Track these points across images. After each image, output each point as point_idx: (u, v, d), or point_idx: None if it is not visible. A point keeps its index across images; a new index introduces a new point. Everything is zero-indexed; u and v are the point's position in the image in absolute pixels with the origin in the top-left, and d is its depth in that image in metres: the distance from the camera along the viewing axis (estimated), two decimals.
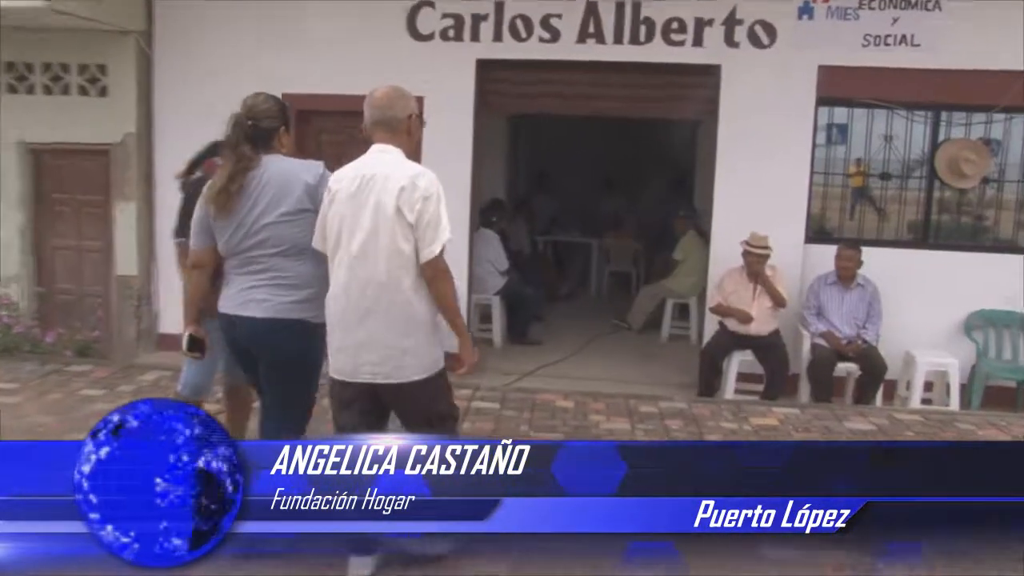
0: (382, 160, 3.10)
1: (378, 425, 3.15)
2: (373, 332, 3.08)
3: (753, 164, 6.08)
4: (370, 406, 3.15)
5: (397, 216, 3.02)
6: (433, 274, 3.06)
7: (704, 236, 6.98)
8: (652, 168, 9.81)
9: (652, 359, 7.05)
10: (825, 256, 6.12)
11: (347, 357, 3.12)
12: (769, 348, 5.92)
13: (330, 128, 6.25)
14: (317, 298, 3.20)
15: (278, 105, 3.28)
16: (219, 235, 3.26)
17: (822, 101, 6.16)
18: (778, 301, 5.92)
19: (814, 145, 6.22)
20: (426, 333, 3.11)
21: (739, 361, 6.03)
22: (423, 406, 3.15)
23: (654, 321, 7.84)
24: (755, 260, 5.88)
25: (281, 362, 3.26)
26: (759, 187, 6.08)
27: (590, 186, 10.28)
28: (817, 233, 6.39)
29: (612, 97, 6.10)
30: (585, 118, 7.54)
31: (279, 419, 3.28)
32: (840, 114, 6.34)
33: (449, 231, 3.04)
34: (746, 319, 5.94)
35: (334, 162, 3.29)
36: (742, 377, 6.07)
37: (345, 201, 3.07)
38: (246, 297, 3.23)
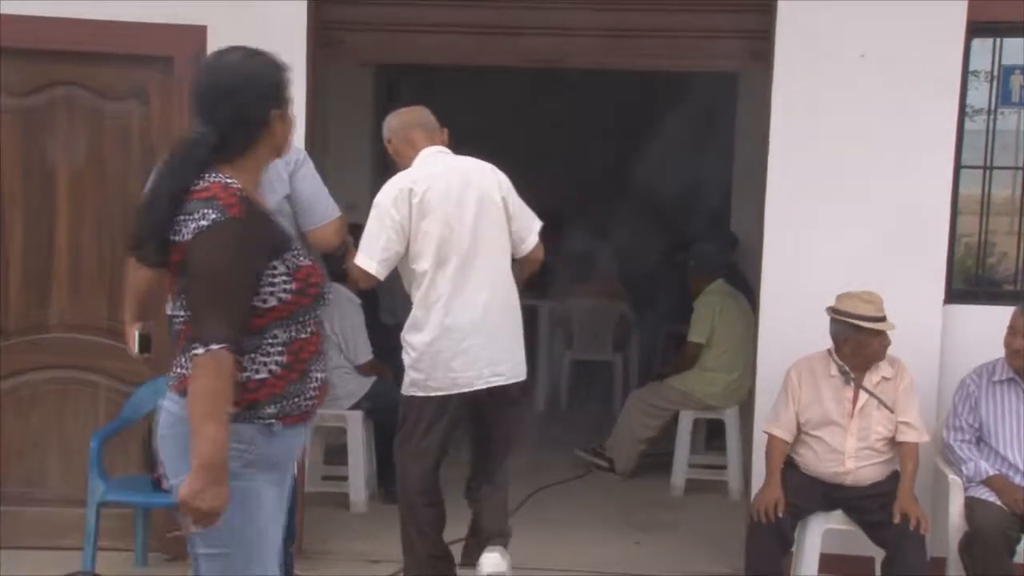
0: (453, 157, 3.61)
1: (448, 444, 3.68)
2: (499, 333, 3.56)
3: (839, 151, 4.43)
4: (454, 422, 3.62)
5: (503, 206, 3.56)
6: (536, 257, 3.68)
7: (747, 292, 5.60)
8: (647, 166, 7.78)
9: (655, 529, 5.19)
10: (986, 328, 4.32)
11: (466, 365, 3.51)
12: (881, 509, 4.10)
13: (12, 84, 4.17)
14: None
15: None
16: None
17: (977, 28, 4.39)
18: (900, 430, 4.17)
19: (963, 110, 4.40)
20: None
21: (825, 532, 4.29)
22: (522, 407, 3.85)
23: (658, 455, 5.97)
24: (862, 343, 4.08)
25: None
26: (851, 196, 4.46)
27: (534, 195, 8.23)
28: (969, 285, 4.72)
29: (553, 34, 4.53)
30: (518, 76, 5.92)
31: None
32: (1015, 50, 4.47)
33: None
34: (836, 463, 4.14)
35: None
36: (832, 563, 4.29)
37: (440, 201, 3.50)
38: None
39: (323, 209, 3.48)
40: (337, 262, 4.39)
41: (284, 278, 2.34)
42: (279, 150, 2.51)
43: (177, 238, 2.27)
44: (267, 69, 2.45)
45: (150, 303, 3.57)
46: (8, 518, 4.02)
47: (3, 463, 4.07)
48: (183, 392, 2.28)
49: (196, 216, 2.24)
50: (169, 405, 2.37)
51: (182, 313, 2.35)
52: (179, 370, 2.33)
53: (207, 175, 2.32)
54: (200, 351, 2.13)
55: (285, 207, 3.44)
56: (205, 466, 2.21)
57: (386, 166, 4.96)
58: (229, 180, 2.33)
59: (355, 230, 4.33)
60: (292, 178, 3.45)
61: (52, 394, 4.12)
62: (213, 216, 2.24)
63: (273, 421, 2.37)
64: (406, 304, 4.70)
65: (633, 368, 7.31)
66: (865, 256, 4.33)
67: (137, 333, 3.61)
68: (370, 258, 3.55)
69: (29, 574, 3.86)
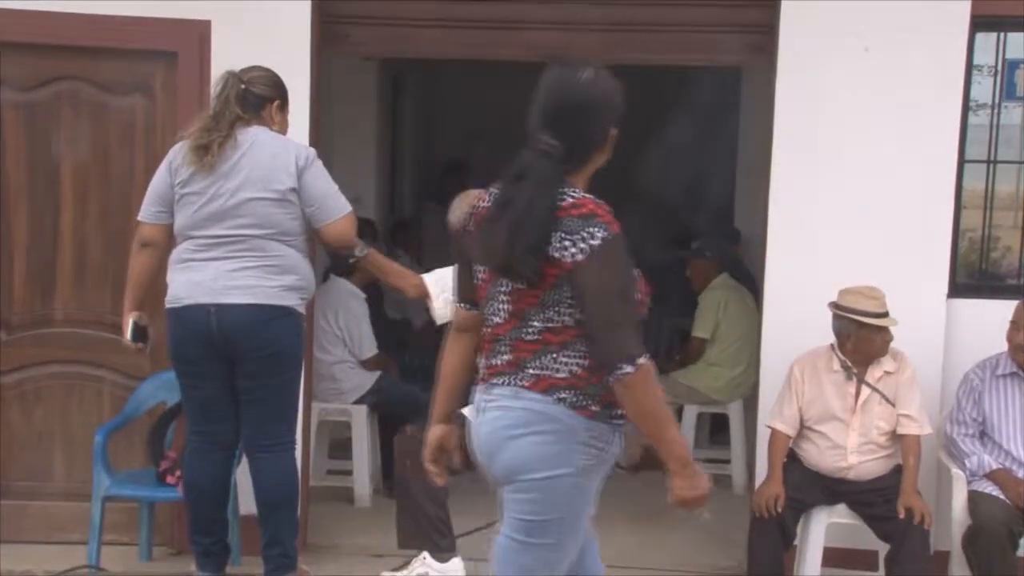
0: None
1: None
2: None
3: (843, 145, 4.35)
4: None
5: None
6: None
7: (751, 286, 5.52)
8: (651, 161, 7.49)
9: (659, 523, 4.96)
10: (990, 323, 4.25)
11: None
12: (885, 503, 4.03)
13: (16, 79, 4.11)
14: (304, 286, 3.54)
15: (275, 78, 3.60)
16: (184, 208, 3.44)
17: (981, 23, 4.31)
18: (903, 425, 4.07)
19: (966, 104, 4.33)
20: None
21: (829, 526, 4.21)
22: None
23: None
24: (865, 339, 3.98)
25: (271, 356, 3.48)
26: (855, 191, 4.37)
27: None
28: (972, 279, 4.64)
29: (555, 28, 4.42)
30: (522, 70, 5.63)
31: (267, 427, 3.54)
32: (1019, 45, 4.40)
33: None
34: (838, 458, 4.04)
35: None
36: (835, 557, 4.20)
37: None
38: (228, 283, 3.41)
39: (335, 205, 3.55)
40: (343, 257, 4.37)
41: (639, 286, 2.40)
42: (601, 164, 2.55)
43: (558, 255, 2.30)
44: (614, 87, 2.48)
45: (150, 292, 3.55)
46: (13, 512, 3.99)
47: (8, 457, 4.03)
48: (546, 390, 2.36)
49: (583, 235, 2.29)
50: (528, 404, 2.40)
51: (537, 324, 2.38)
52: (534, 371, 2.38)
53: (568, 190, 2.35)
54: (630, 369, 2.22)
55: (291, 198, 3.48)
56: (683, 463, 2.40)
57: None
58: (590, 195, 2.36)
59: (361, 225, 4.25)
60: (302, 176, 3.49)
61: (57, 388, 4.07)
62: (601, 234, 2.28)
63: (622, 421, 2.44)
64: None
65: None
66: (868, 250, 4.24)
67: (132, 321, 3.57)
68: None
69: (34, 568, 3.83)
